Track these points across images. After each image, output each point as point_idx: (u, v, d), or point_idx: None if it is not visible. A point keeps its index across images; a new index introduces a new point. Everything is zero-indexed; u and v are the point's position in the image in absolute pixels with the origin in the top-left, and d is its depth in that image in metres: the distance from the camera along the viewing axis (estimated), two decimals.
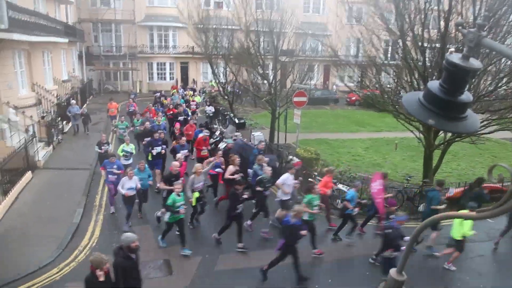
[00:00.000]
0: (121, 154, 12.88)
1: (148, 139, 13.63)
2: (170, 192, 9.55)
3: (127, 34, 34.90)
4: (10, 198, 11.57)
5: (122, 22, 34.43)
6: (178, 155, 12.02)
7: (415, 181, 14.41)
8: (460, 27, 2.03)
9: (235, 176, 10.71)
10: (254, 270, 8.80)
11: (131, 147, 13.22)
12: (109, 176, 11.23)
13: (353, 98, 34.78)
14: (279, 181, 10.55)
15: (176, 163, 10.87)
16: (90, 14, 33.17)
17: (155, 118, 17.57)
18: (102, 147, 13.54)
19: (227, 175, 11.28)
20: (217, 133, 17.34)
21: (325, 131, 24.33)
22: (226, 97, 24.41)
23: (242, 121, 19.52)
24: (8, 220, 10.67)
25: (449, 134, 13.34)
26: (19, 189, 12.39)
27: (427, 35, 12.17)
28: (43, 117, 17.45)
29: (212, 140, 16.32)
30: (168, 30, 36.21)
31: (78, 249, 9.51)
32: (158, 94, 26.03)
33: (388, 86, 14.72)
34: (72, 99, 20.53)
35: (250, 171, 11.97)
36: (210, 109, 22.47)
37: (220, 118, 22.80)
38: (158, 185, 11.87)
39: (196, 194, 10.07)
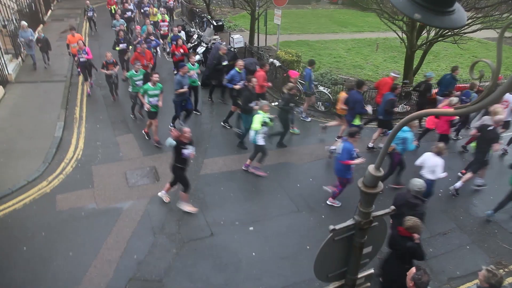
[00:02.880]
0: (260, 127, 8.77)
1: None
2: None
3: None
4: None
5: None
6: None
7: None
8: None
9: None
10: (235, 173, 9.29)
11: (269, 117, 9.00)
12: None
13: None
14: None
15: None
16: None
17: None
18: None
19: None
20: (195, 37, 16.59)
21: (306, 32, 23.57)
22: None
23: (220, 23, 18.56)
24: None
25: (432, 34, 13.09)
26: None
27: None
28: (4, 26, 16.19)
29: (189, 45, 15.72)
30: None
31: (65, 161, 9.60)
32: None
33: None
34: (23, 21, 15.55)
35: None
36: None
37: (197, 21, 21.61)
38: None
39: None
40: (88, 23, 20.93)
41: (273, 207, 8.31)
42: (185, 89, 10.50)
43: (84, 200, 8.24)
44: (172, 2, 22.55)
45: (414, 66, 13.89)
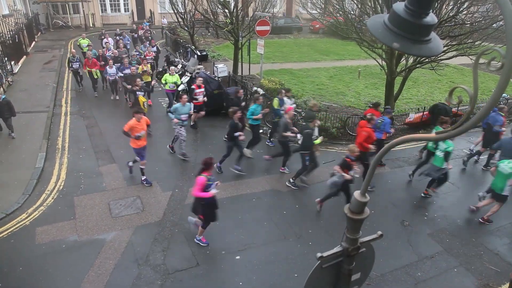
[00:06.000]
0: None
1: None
2: None
3: None
4: None
5: None
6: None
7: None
8: None
9: None
10: (221, 201, 9.14)
11: None
12: None
13: (317, 26, 34.32)
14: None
15: None
16: None
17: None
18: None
19: None
20: (179, 66, 16.76)
21: (289, 61, 24.09)
22: (186, 28, 23.33)
23: (204, 53, 18.86)
24: None
25: (410, 61, 13.54)
26: None
27: None
28: None
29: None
30: None
31: (46, 193, 9.36)
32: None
33: (352, 12, 14.46)
34: None
35: None
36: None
37: (181, 51, 21.90)
38: None
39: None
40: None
41: (259, 235, 8.20)
42: None
43: (65, 232, 7.99)
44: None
45: (395, 92, 14.25)
